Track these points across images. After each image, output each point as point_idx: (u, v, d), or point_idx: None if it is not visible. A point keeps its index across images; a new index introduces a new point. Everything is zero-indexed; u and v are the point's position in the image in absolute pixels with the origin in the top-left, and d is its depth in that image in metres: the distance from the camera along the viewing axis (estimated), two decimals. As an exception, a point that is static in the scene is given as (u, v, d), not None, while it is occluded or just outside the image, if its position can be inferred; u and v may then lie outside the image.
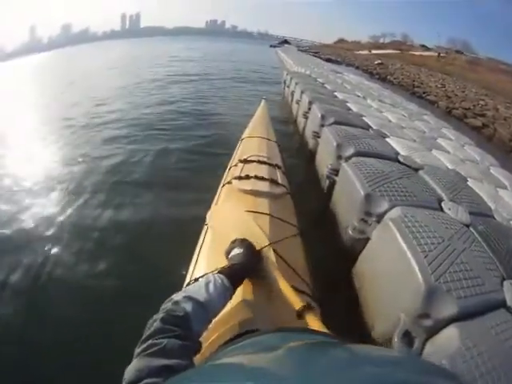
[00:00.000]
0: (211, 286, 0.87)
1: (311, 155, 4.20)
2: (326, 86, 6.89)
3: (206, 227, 1.91)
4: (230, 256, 1.20)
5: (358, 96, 6.46)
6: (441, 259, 1.63)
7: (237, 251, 1.19)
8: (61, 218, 3.04)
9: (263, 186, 2.09)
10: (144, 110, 6.82)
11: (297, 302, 1.21)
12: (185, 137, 5.18)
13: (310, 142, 4.36)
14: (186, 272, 1.67)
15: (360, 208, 2.28)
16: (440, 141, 4.40)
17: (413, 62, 20.11)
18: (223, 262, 1.32)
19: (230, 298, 0.96)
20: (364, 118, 4.37)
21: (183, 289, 0.91)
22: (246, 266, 1.14)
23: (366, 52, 27.21)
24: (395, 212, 2.08)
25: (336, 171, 2.96)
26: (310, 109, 4.75)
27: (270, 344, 0.58)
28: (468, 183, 3.00)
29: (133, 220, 3.04)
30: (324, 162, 3.46)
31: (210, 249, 1.70)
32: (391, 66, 19.22)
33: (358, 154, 2.92)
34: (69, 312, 2.11)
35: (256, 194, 2.03)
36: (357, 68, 20.98)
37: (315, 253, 2.45)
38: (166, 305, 0.77)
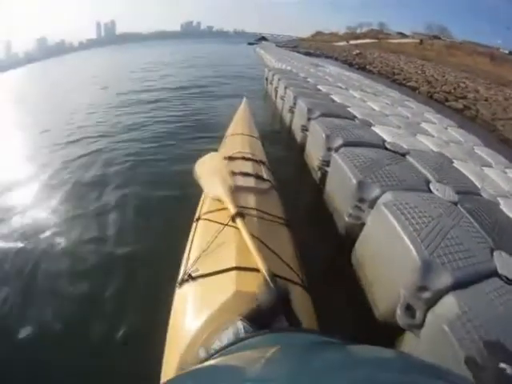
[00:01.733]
0: None
1: (300, 148, 4.30)
2: (308, 80, 7.01)
3: (195, 221, 2.01)
4: None
5: (341, 87, 6.59)
6: (433, 236, 1.75)
7: None
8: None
9: (249, 182, 2.16)
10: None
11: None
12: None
13: (299, 136, 4.48)
14: (181, 262, 1.73)
15: (353, 195, 2.38)
16: (424, 125, 4.54)
17: (391, 50, 20.34)
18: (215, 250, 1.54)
19: None
20: (349, 108, 4.48)
21: None
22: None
23: (343, 43, 27.42)
24: (387, 196, 2.18)
25: (327, 162, 3.07)
26: (295, 104, 4.86)
27: (264, 345, 0.62)
28: (454, 164, 3.14)
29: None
30: (314, 154, 3.57)
31: (202, 240, 1.77)
32: (369, 56, 19.40)
33: (347, 144, 3.02)
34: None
35: (242, 190, 2.08)
36: (336, 59, 21.09)
37: (310, 242, 2.57)
38: None
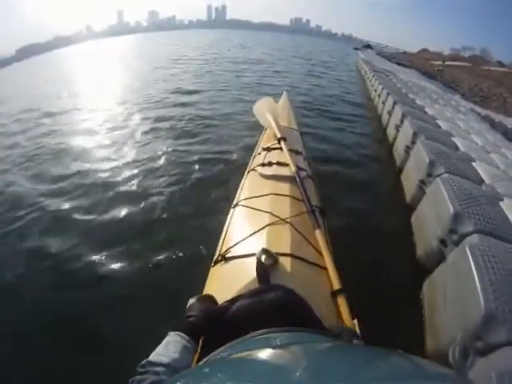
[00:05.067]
0: (171, 346, 0.85)
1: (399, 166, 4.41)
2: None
3: (233, 207, 2.11)
4: (188, 306, 1.13)
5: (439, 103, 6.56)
6: (505, 291, 1.70)
7: (195, 304, 1.11)
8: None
9: (285, 171, 2.23)
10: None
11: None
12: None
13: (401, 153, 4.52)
14: (217, 244, 1.86)
15: (446, 224, 2.41)
16: None
17: (477, 74, 19.10)
18: (248, 234, 1.64)
19: (196, 351, 0.93)
20: (453, 138, 4.41)
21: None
22: (201, 321, 1.02)
23: (440, 62, 26.13)
24: (473, 238, 2.18)
25: (425, 186, 3.15)
26: (402, 122, 4.93)
27: (277, 343, 0.64)
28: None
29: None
30: (413, 175, 3.65)
31: (237, 224, 1.89)
32: (448, 73, 18.53)
33: (449, 173, 3.01)
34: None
35: (278, 178, 2.18)
36: (418, 71, 20.83)
37: (389, 256, 2.77)
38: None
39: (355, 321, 1.29)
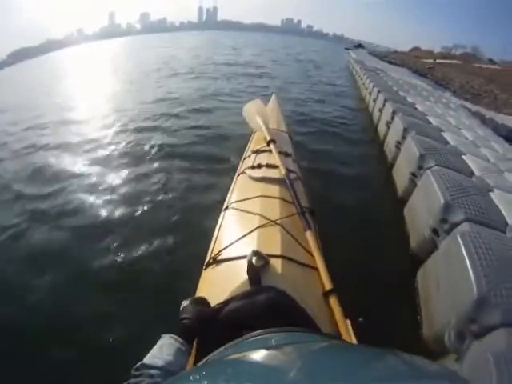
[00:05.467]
0: (165, 348, 0.86)
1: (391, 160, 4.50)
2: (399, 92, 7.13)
3: (223, 210, 2.11)
4: (181, 308, 1.11)
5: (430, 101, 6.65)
6: (496, 276, 1.77)
7: (188, 307, 1.10)
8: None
9: (274, 173, 2.24)
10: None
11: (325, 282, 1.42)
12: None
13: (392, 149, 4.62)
14: (208, 247, 1.84)
15: (437, 214, 2.49)
16: None
17: (468, 72, 19.27)
18: (239, 237, 1.63)
19: (190, 353, 0.93)
20: (443, 133, 4.50)
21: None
22: (194, 323, 1.02)
23: (431, 60, 26.38)
24: (464, 227, 2.26)
25: (416, 178, 3.23)
26: (393, 118, 5.03)
27: (272, 344, 0.63)
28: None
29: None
30: (404, 169, 3.74)
31: (228, 227, 1.89)
32: (440, 71, 18.69)
33: (439, 165, 3.11)
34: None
35: (267, 180, 2.18)
36: (410, 69, 21.04)
37: (384, 248, 2.84)
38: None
39: (348, 321, 1.30)
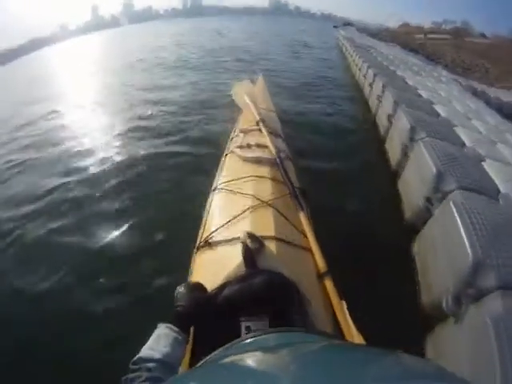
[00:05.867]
0: (161, 340, 0.84)
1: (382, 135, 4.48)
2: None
3: (212, 191, 2.05)
4: (175, 295, 1.06)
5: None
6: (490, 241, 1.79)
7: (182, 293, 1.05)
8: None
9: (264, 153, 2.20)
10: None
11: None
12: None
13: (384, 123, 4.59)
14: (199, 229, 1.81)
15: (430, 184, 2.51)
16: (508, 136, 4.34)
17: (460, 47, 19.23)
18: (230, 218, 1.58)
19: (187, 341, 0.91)
20: (434, 105, 4.47)
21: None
22: (190, 310, 0.99)
23: (421, 36, 26.23)
24: (457, 195, 2.26)
25: (408, 151, 3.21)
26: (383, 92, 4.98)
27: (269, 345, 0.63)
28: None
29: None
30: (396, 142, 3.73)
31: (218, 208, 1.85)
32: (430, 47, 18.68)
33: (431, 137, 3.09)
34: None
35: (258, 160, 2.14)
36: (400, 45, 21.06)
37: (380, 223, 2.82)
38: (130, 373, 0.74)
39: (343, 302, 1.28)
